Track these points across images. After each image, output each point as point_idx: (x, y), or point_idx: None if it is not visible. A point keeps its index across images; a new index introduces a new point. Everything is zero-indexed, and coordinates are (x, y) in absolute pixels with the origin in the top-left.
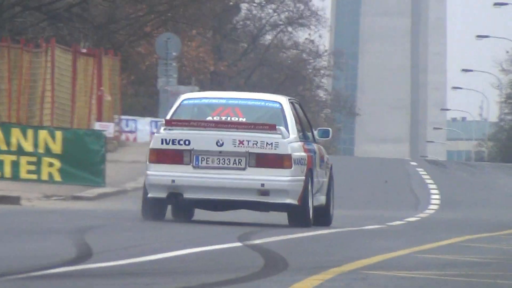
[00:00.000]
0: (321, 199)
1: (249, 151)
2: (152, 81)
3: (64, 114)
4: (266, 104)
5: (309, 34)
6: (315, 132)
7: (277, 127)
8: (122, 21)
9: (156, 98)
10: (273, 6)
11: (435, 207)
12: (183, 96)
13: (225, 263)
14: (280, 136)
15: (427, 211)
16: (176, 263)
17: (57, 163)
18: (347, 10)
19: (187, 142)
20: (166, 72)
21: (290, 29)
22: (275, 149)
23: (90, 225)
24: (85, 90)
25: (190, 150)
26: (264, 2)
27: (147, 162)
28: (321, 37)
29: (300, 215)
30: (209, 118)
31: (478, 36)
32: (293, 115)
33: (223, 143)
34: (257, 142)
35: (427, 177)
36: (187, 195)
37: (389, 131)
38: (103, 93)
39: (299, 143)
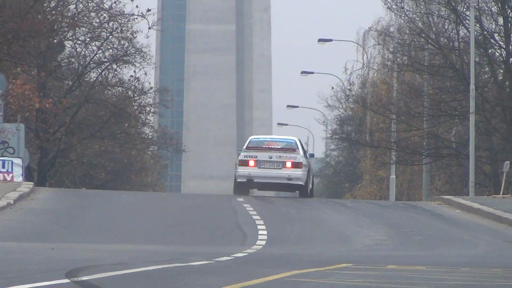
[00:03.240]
0: (311, 185)
1: (283, 160)
2: None
3: None
4: (288, 140)
5: (134, 72)
6: (307, 154)
7: (295, 150)
8: None
9: None
10: (98, 43)
11: (263, 242)
12: (251, 137)
13: None
14: (297, 154)
15: (255, 246)
16: None
17: None
18: (172, 47)
19: (255, 156)
20: None
21: (115, 66)
22: (295, 160)
23: None
24: None
25: (256, 160)
26: (88, 40)
27: (237, 165)
28: (146, 74)
29: (305, 191)
30: (264, 146)
31: (303, 72)
32: (301, 145)
33: (272, 157)
34: (287, 157)
35: (254, 213)
36: (255, 180)
37: (215, 167)
38: None
39: (304, 157)
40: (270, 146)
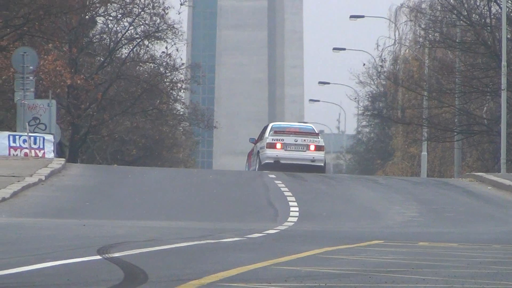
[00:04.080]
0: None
1: (307, 144)
2: (9, 94)
3: None
4: (306, 126)
5: (166, 48)
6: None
7: (318, 134)
8: None
9: (13, 111)
10: (129, 19)
11: (294, 219)
12: (272, 123)
13: (84, 276)
14: (319, 138)
15: (286, 223)
16: (36, 277)
17: None
18: (204, 23)
19: (282, 140)
20: (23, 86)
21: (146, 42)
22: (318, 143)
23: None
24: None
25: (283, 143)
26: (120, 16)
27: (265, 148)
28: (178, 50)
29: (323, 172)
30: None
31: (335, 49)
32: (317, 131)
33: (297, 140)
34: (311, 140)
35: (286, 189)
36: (282, 162)
37: (246, 143)
38: None
39: (323, 141)
40: (290, 131)
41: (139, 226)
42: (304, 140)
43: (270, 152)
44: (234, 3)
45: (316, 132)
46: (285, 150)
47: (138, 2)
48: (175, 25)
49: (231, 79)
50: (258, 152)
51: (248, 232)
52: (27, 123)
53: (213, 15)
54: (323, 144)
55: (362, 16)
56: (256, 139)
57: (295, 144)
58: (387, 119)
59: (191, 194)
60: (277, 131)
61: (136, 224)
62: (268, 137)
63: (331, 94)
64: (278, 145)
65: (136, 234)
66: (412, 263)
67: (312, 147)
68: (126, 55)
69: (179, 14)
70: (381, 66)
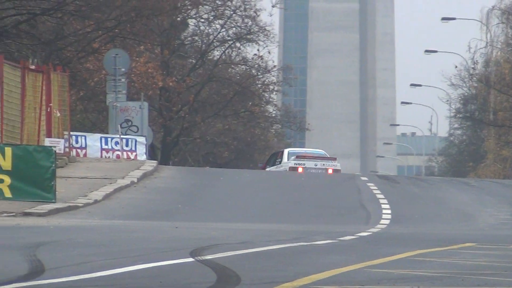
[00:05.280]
0: None
1: (326, 167)
2: (101, 97)
3: (13, 131)
4: (318, 151)
5: (258, 50)
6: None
7: (334, 159)
8: (70, 37)
9: (105, 114)
10: (221, 21)
11: (386, 221)
12: (288, 149)
13: (177, 278)
14: (336, 162)
15: (378, 226)
16: (128, 279)
17: (7, 180)
18: (295, 25)
19: (303, 164)
20: (115, 88)
21: (238, 44)
22: (335, 167)
23: (41, 241)
24: (34, 106)
25: (304, 167)
26: (211, 18)
27: (287, 170)
28: (269, 52)
29: None
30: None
31: (427, 51)
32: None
33: (317, 164)
34: (330, 164)
35: (378, 192)
36: None
37: (338, 146)
38: (52, 109)
39: (339, 165)
40: (310, 156)
41: (231, 228)
42: (323, 164)
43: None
44: (325, 5)
45: (329, 156)
46: (306, 173)
47: (229, 4)
48: (266, 27)
49: (322, 81)
50: None
51: (341, 235)
52: (119, 125)
53: (304, 18)
54: (340, 168)
55: (454, 19)
56: (264, 163)
57: (315, 168)
58: (479, 122)
59: (283, 196)
60: (298, 156)
61: (228, 227)
62: (289, 161)
63: (422, 96)
64: (300, 169)
65: (228, 237)
66: (505, 266)
67: (330, 171)
68: (218, 57)
69: (270, 16)
70: (473, 68)
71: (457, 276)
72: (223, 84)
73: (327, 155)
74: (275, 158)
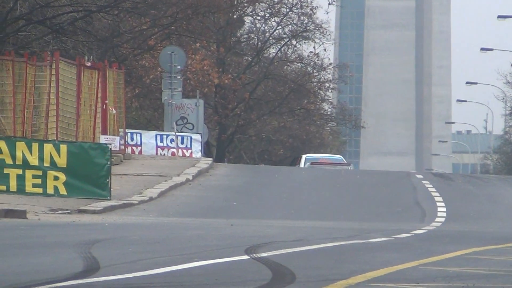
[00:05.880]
0: None
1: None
2: (156, 94)
3: (69, 128)
4: (335, 157)
5: (314, 48)
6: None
7: (349, 164)
8: (126, 34)
9: (161, 111)
10: (277, 19)
11: (442, 219)
12: (305, 155)
13: (232, 276)
14: (350, 167)
15: (434, 223)
16: (183, 277)
17: (62, 177)
18: (351, 23)
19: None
20: (170, 85)
21: (294, 42)
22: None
23: (96, 238)
24: (90, 103)
25: None
26: (268, 15)
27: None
28: (325, 50)
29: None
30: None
31: (482, 49)
32: (345, 161)
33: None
34: (343, 170)
35: (433, 190)
36: None
37: (394, 144)
38: (107, 107)
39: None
40: (325, 162)
41: (286, 226)
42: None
43: None
44: (381, 3)
45: (345, 162)
46: None
47: (286, 1)
48: (323, 25)
49: (378, 79)
50: None
51: (396, 232)
52: (174, 123)
53: (360, 15)
54: None
55: (510, 16)
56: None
57: None
58: None
59: (338, 194)
60: (313, 162)
61: (283, 224)
62: (305, 167)
63: (478, 94)
64: None
65: (283, 234)
66: None
67: None
68: (273, 54)
69: (327, 13)
70: None
71: None
72: (278, 81)
73: (344, 161)
74: (295, 163)
